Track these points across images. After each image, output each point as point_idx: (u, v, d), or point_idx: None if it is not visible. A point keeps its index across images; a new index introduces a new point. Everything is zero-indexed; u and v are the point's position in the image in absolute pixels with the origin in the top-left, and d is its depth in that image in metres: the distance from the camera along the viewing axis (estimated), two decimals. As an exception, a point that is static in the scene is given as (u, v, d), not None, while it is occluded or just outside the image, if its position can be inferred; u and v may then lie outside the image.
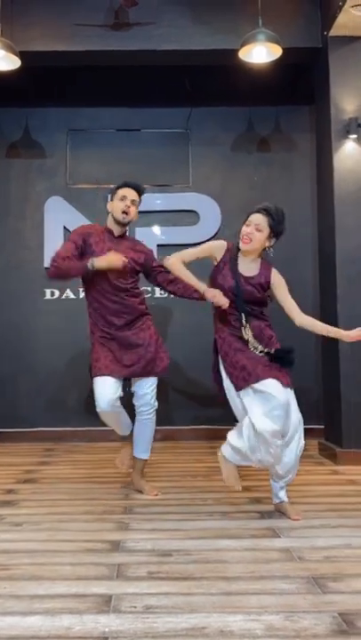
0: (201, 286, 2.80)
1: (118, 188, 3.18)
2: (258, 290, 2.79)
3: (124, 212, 3.13)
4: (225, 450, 2.76)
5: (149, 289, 4.92)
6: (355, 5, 3.76)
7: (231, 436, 2.73)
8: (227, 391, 2.80)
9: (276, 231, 2.77)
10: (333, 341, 4.07)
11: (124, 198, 3.13)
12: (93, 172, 5.24)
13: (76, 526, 2.65)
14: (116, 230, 3.19)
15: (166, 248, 4.56)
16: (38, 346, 5.16)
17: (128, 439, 3.27)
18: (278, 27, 3.94)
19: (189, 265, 2.87)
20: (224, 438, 2.78)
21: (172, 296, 3.33)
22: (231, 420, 2.89)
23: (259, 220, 2.74)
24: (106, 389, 3.00)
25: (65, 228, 5.10)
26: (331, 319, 3.85)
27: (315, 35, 4.35)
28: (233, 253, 2.82)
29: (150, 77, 4.82)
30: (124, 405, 3.12)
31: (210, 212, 5.20)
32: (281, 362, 2.69)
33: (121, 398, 3.07)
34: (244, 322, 2.75)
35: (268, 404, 2.57)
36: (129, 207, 3.13)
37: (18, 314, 5.17)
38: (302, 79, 4.95)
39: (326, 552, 2.28)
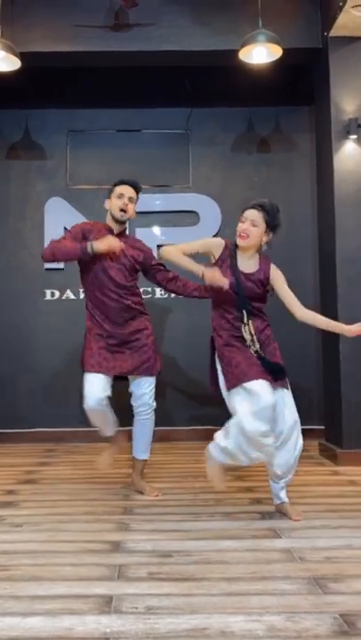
0: (199, 268, 2.74)
1: (115, 185, 3.19)
2: (258, 286, 2.79)
3: (122, 210, 3.13)
4: (212, 449, 2.73)
5: (150, 289, 4.93)
6: (355, 6, 3.76)
7: (218, 435, 2.71)
8: (223, 390, 2.80)
9: (271, 225, 2.77)
10: (334, 342, 4.08)
11: (121, 196, 3.13)
12: (93, 173, 5.23)
13: (76, 527, 2.65)
14: (115, 228, 3.20)
15: (166, 249, 4.56)
16: (38, 346, 5.16)
17: (112, 440, 3.25)
18: (278, 27, 3.95)
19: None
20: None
21: (172, 296, 3.33)
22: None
23: (254, 215, 2.74)
24: (95, 387, 3.01)
25: (65, 228, 5.05)
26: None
27: (315, 35, 4.35)
28: (231, 251, 2.82)
29: (150, 78, 4.82)
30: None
31: (210, 212, 5.20)
32: (271, 373, 2.68)
33: (109, 398, 3.06)
34: (245, 320, 2.75)
35: (257, 405, 2.56)
36: (127, 205, 3.13)
37: (18, 314, 5.17)
38: (302, 80, 4.95)
39: (327, 553, 2.28)
